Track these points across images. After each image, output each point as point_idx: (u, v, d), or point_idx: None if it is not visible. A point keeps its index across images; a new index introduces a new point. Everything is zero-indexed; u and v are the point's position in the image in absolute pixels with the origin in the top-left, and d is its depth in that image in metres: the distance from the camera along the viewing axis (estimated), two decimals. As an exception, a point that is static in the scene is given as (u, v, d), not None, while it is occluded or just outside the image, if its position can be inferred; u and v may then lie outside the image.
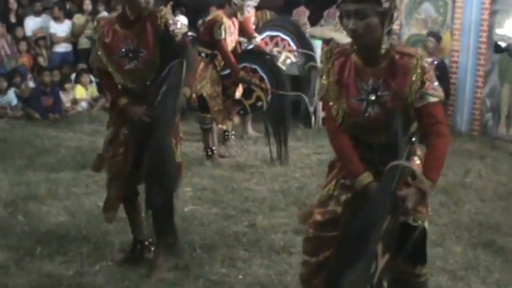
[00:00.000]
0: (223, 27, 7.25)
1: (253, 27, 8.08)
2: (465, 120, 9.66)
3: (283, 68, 8.77)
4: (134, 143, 4.58)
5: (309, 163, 7.67)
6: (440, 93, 3.18)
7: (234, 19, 7.53)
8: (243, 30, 7.84)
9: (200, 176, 6.92)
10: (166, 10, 4.58)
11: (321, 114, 9.60)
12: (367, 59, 3.21)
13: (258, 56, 7.64)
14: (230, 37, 7.40)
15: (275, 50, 8.76)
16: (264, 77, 7.50)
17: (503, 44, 7.71)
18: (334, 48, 3.34)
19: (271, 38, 8.88)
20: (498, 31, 8.96)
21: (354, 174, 3.25)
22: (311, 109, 9.37)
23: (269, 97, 7.47)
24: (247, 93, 7.56)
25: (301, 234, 5.37)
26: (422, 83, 3.14)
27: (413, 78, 3.13)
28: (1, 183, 6.51)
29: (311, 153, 8.10)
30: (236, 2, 7.44)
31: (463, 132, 9.43)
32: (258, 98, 7.52)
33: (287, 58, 8.88)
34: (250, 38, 7.93)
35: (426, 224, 3.31)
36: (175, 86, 4.33)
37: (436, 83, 3.19)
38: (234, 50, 7.58)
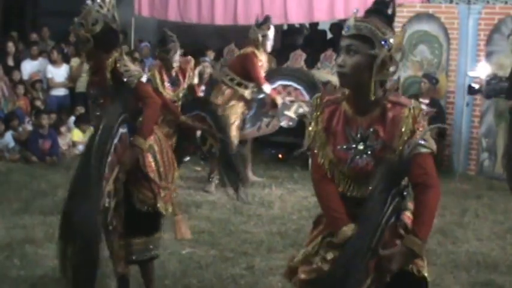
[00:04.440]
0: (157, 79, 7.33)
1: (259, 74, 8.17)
2: (462, 160, 9.67)
3: (294, 116, 8.86)
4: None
5: (306, 205, 7.65)
6: (432, 145, 3.01)
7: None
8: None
9: (197, 219, 6.90)
10: (116, 55, 4.36)
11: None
12: (358, 106, 3.06)
13: (204, 104, 7.71)
14: (167, 87, 7.46)
15: (287, 99, 8.85)
16: (212, 124, 7.58)
17: (476, 86, 7.81)
18: (323, 95, 3.20)
19: (284, 87, 8.99)
20: (471, 73, 9.04)
21: (337, 224, 3.08)
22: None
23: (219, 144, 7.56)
24: (202, 140, 7.62)
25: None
26: (413, 132, 2.98)
27: (403, 129, 2.98)
28: (-3, 227, 6.48)
29: (308, 195, 8.07)
30: None
31: (459, 172, 9.43)
32: (211, 145, 7.57)
33: (299, 107, 8.96)
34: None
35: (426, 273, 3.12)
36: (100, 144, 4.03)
37: (428, 134, 3.02)
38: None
